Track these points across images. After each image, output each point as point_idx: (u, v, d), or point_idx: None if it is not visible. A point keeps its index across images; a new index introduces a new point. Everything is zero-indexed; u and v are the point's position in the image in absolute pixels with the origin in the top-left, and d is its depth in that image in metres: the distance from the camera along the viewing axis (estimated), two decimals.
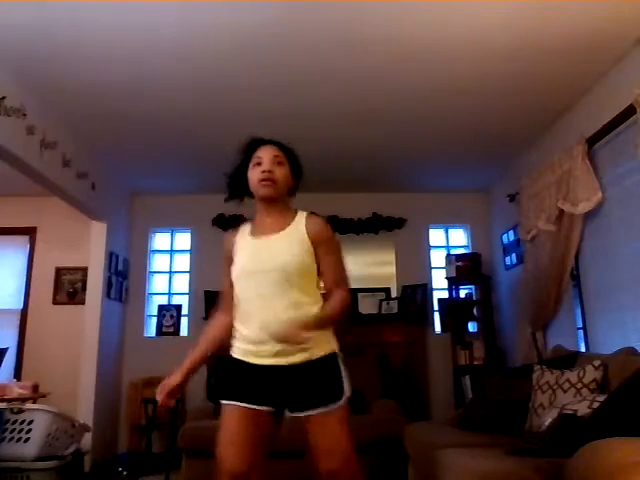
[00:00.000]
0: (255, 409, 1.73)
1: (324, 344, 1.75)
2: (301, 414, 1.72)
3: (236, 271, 1.82)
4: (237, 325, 1.82)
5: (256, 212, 1.91)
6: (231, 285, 1.84)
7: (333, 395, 1.71)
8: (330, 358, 1.75)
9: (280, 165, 1.85)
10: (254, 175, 1.84)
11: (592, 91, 3.42)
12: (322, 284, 1.83)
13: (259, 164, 1.84)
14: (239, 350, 1.80)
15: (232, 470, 1.69)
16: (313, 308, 1.74)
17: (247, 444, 1.71)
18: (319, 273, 1.81)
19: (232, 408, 1.75)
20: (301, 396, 1.72)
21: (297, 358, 1.71)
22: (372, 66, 3.17)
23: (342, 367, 1.76)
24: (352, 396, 1.76)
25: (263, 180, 1.81)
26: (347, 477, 1.71)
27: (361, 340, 4.67)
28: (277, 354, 1.71)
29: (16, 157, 3.27)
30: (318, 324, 1.69)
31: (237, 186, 1.93)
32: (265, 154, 1.86)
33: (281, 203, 1.88)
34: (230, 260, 1.86)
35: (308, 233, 1.79)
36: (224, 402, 1.77)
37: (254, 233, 1.86)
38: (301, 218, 1.85)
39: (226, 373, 1.82)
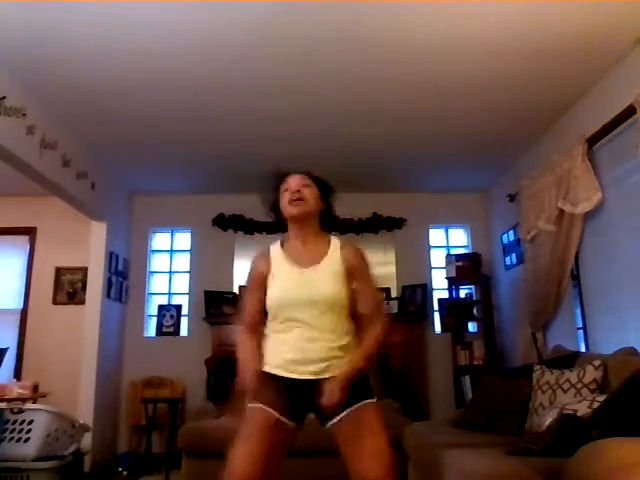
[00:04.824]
0: (282, 420, 1.76)
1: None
2: (335, 420, 1.76)
3: (276, 299, 1.86)
4: (270, 347, 1.87)
5: (287, 237, 1.97)
6: (258, 305, 1.89)
7: (364, 396, 1.80)
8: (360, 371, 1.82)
9: (307, 187, 1.94)
10: (284, 199, 1.92)
11: (592, 91, 3.42)
12: (361, 309, 1.90)
13: (287, 189, 1.93)
14: (271, 366, 1.83)
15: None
16: (347, 336, 1.85)
17: (264, 457, 1.71)
18: (355, 298, 1.89)
19: (260, 415, 1.75)
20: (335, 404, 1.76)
21: (331, 373, 1.78)
22: (372, 66, 3.17)
23: (370, 380, 1.86)
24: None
25: (292, 200, 1.89)
26: None
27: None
28: (313, 373, 1.79)
29: (16, 157, 3.27)
30: (358, 369, 1.79)
31: (277, 216, 2.00)
32: (292, 180, 1.95)
33: (313, 225, 1.95)
34: (262, 282, 1.90)
35: (344, 263, 1.89)
36: (253, 406, 1.77)
37: (291, 260, 1.90)
38: (336, 246, 1.93)
39: (259, 384, 1.83)
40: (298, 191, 1.90)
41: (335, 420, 1.76)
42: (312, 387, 1.77)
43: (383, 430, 1.77)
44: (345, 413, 1.75)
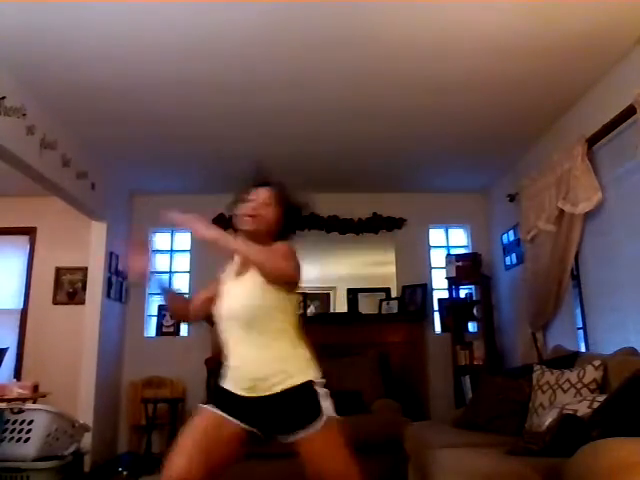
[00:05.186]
0: (229, 419, 1.74)
1: (298, 375, 1.75)
2: (287, 439, 1.72)
3: (216, 311, 1.89)
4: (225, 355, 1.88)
5: None
6: (205, 296, 1.97)
7: (309, 417, 1.69)
8: (304, 386, 1.74)
9: (268, 206, 1.89)
10: (241, 209, 1.90)
11: (592, 91, 3.42)
12: None
13: (246, 200, 1.90)
14: (225, 379, 1.84)
15: (176, 476, 1.67)
16: (282, 342, 1.79)
17: (203, 456, 1.69)
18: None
19: (206, 414, 1.77)
20: (280, 423, 1.73)
21: (267, 391, 1.73)
22: (372, 66, 3.17)
23: (320, 392, 1.75)
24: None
25: (245, 216, 1.87)
26: None
27: (361, 340, 4.67)
28: (250, 389, 1.75)
29: (16, 157, 3.27)
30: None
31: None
32: (257, 194, 1.91)
33: (261, 240, 1.82)
34: (217, 283, 1.95)
35: None
36: (203, 406, 1.79)
37: (235, 267, 1.91)
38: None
39: (215, 396, 1.85)
40: (254, 208, 1.86)
41: (288, 440, 1.72)
42: (255, 402, 1.75)
43: (337, 453, 1.71)
44: (296, 438, 1.70)
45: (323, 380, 1.80)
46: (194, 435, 1.73)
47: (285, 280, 1.74)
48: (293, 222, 1.99)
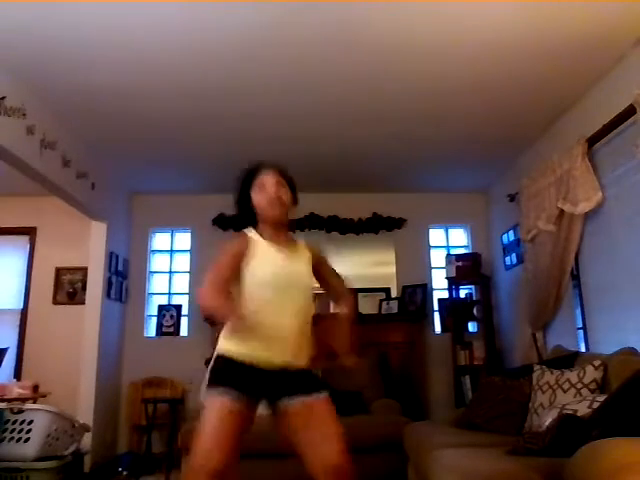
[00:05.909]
0: (248, 401, 1.79)
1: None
2: (294, 402, 1.82)
3: (258, 277, 1.87)
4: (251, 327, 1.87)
5: (262, 232, 1.96)
6: (231, 276, 1.88)
7: (319, 387, 1.89)
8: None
9: (283, 187, 1.96)
10: (262, 198, 1.92)
11: (592, 91, 3.42)
12: (331, 293, 2.10)
13: (263, 187, 1.93)
14: (236, 352, 1.83)
15: (215, 469, 1.70)
16: (310, 325, 1.95)
17: (231, 442, 1.75)
18: (325, 285, 2.06)
19: (222, 402, 1.77)
20: (294, 388, 1.84)
21: (293, 364, 1.86)
22: (372, 67, 3.17)
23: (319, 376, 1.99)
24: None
25: (273, 203, 1.91)
26: (350, 473, 1.75)
27: (361, 340, 4.66)
28: (283, 362, 1.83)
29: (16, 157, 3.27)
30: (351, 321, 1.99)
31: (244, 210, 2.01)
32: (268, 178, 1.94)
33: (285, 225, 2.00)
34: (240, 257, 1.88)
35: (312, 257, 2.00)
36: (216, 391, 1.79)
37: (273, 245, 1.93)
38: (301, 243, 2.03)
39: (221, 371, 1.85)
40: (278, 194, 1.92)
41: (292, 401, 1.82)
42: (275, 374, 1.83)
43: (338, 420, 1.84)
44: (302, 399, 1.82)
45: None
46: (222, 427, 1.76)
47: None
48: (296, 199, 2.04)
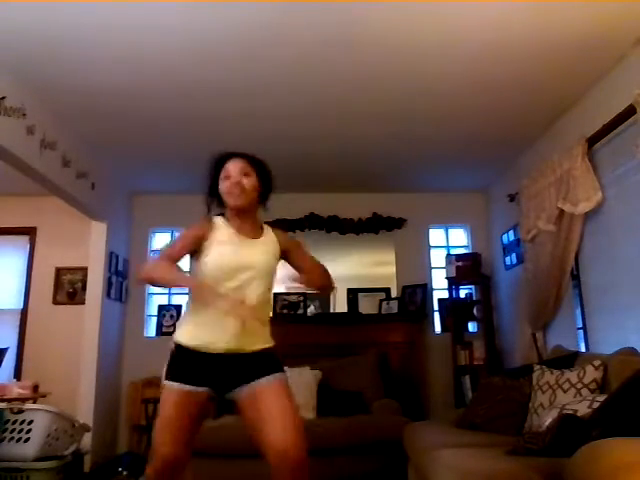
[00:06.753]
0: (194, 390, 1.86)
1: (270, 340, 2.03)
2: (249, 385, 1.87)
3: (210, 262, 1.92)
4: (193, 310, 1.95)
5: (228, 218, 2.04)
6: (183, 254, 1.95)
7: (274, 369, 1.93)
8: (271, 350, 2.00)
9: (247, 176, 1.99)
10: (223, 187, 1.99)
11: (592, 91, 3.42)
12: (303, 269, 2.12)
13: (227, 177, 1.99)
14: (190, 338, 1.91)
15: (167, 454, 1.80)
16: (269, 308, 2.11)
17: (183, 428, 1.84)
18: (299, 270, 2.10)
19: (172, 391, 1.87)
20: (247, 373, 1.88)
21: (248, 348, 1.92)
22: (372, 67, 3.17)
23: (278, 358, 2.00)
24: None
25: (232, 192, 1.96)
26: (299, 461, 1.77)
27: (361, 340, 4.67)
28: (236, 343, 1.89)
29: (16, 157, 3.27)
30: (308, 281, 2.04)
31: (215, 199, 2.08)
32: (233, 167, 1.99)
33: (252, 213, 2.04)
34: (199, 240, 1.95)
35: (278, 242, 2.07)
36: (167, 383, 1.90)
37: (237, 231, 1.99)
38: (268, 229, 2.10)
39: (175, 359, 1.94)
40: (238, 182, 1.96)
41: (243, 388, 1.88)
42: (230, 358, 1.89)
43: (293, 401, 1.88)
44: (252, 384, 1.87)
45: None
46: (172, 419, 1.85)
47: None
48: (268, 185, 2.08)
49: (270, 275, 2.01)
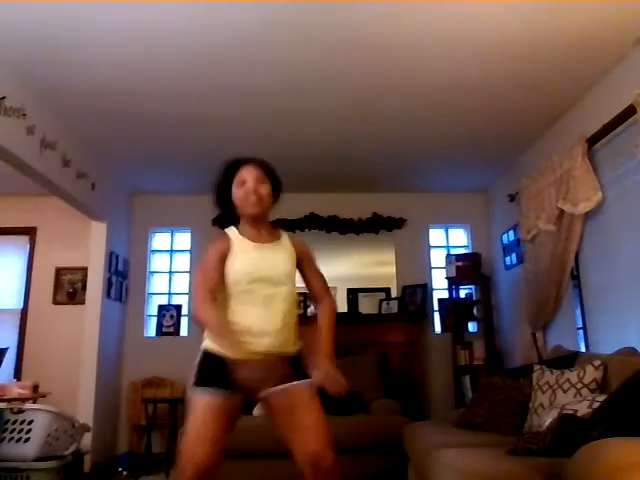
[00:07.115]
0: (230, 395, 1.82)
1: (297, 344, 2.01)
2: (282, 387, 1.86)
3: (233, 274, 1.90)
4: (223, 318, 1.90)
5: (242, 226, 2.02)
6: (220, 278, 1.92)
7: (302, 376, 1.92)
8: (300, 354, 2.00)
9: (263, 184, 1.97)
10: (240, 194, 1.95)
11: (592, 91, 3.42)
12: (311, 293, 2.13)
13: (243, 183, 1.95)
14: (219, 346, 1.85)
15: (200, 466, 1.73)
16: (295, 311, 2.02)
17: (217, 438, 1.79)
18: (306, 284, 2.10)
19: (207, 397, 1.81)
20: (280, 376, 1.87)
21: (276, 352, 1.88)
22: (372, 67, 3.17)
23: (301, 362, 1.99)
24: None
25: (250, 200, 1.93)
26: (330, 463, 1.77)
27: (361, 340, 4.67)
28: (264, 348, 1.85)
29: (16, 157, 3.27)
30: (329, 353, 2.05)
31: (223, 203, 2.04)
32: (249, 174, 1.96)
33: (266, 221, 2.03)
34: (225, 255, 1.93)
35: (294, 250, 2.03)
36: (200, 389, 1.85)
37: (250, 239, 1.97)
38: (285, 237, 2.07)
39: (205, 367, 1.92)
40: (255, 190, 1.93)
41: (274, 388, 1.85)
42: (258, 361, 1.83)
43: (321, 406, 1.87)
44: (284, 386, 1.85)
45: None
46: (206, 425, 1.79)
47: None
48: (279, 191, 2.06)
49: (294, 277, 2.01)
